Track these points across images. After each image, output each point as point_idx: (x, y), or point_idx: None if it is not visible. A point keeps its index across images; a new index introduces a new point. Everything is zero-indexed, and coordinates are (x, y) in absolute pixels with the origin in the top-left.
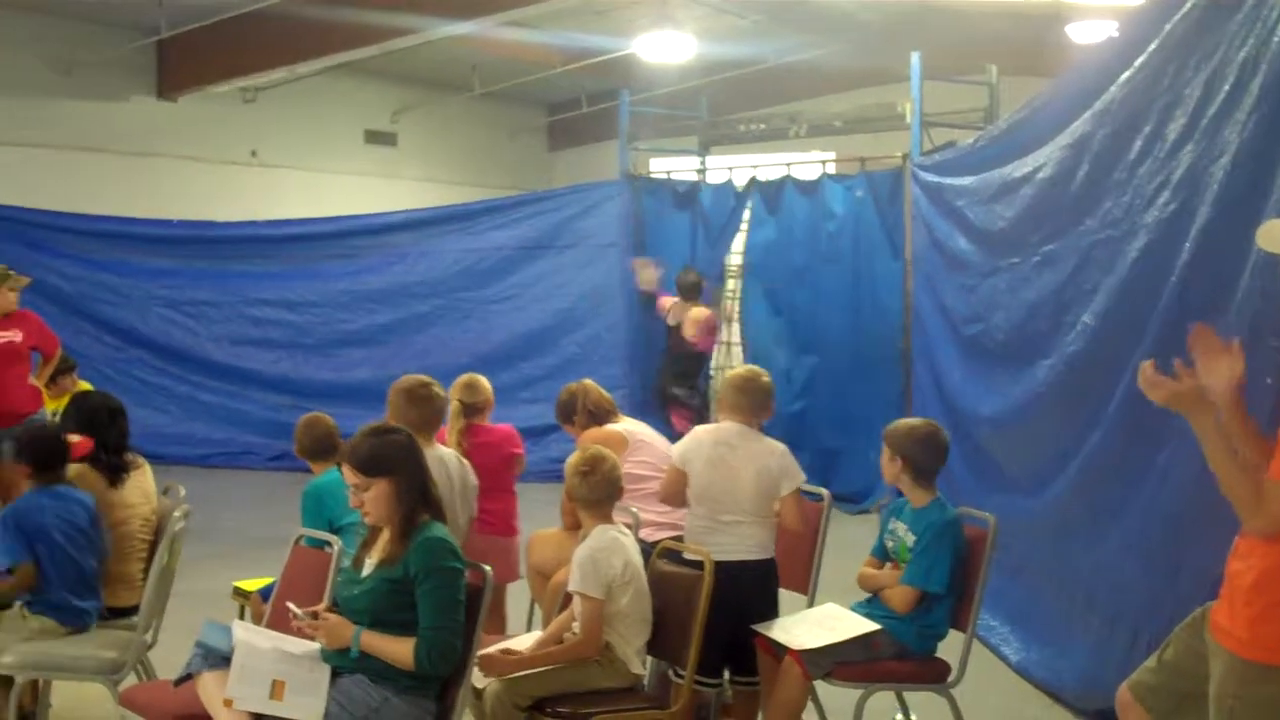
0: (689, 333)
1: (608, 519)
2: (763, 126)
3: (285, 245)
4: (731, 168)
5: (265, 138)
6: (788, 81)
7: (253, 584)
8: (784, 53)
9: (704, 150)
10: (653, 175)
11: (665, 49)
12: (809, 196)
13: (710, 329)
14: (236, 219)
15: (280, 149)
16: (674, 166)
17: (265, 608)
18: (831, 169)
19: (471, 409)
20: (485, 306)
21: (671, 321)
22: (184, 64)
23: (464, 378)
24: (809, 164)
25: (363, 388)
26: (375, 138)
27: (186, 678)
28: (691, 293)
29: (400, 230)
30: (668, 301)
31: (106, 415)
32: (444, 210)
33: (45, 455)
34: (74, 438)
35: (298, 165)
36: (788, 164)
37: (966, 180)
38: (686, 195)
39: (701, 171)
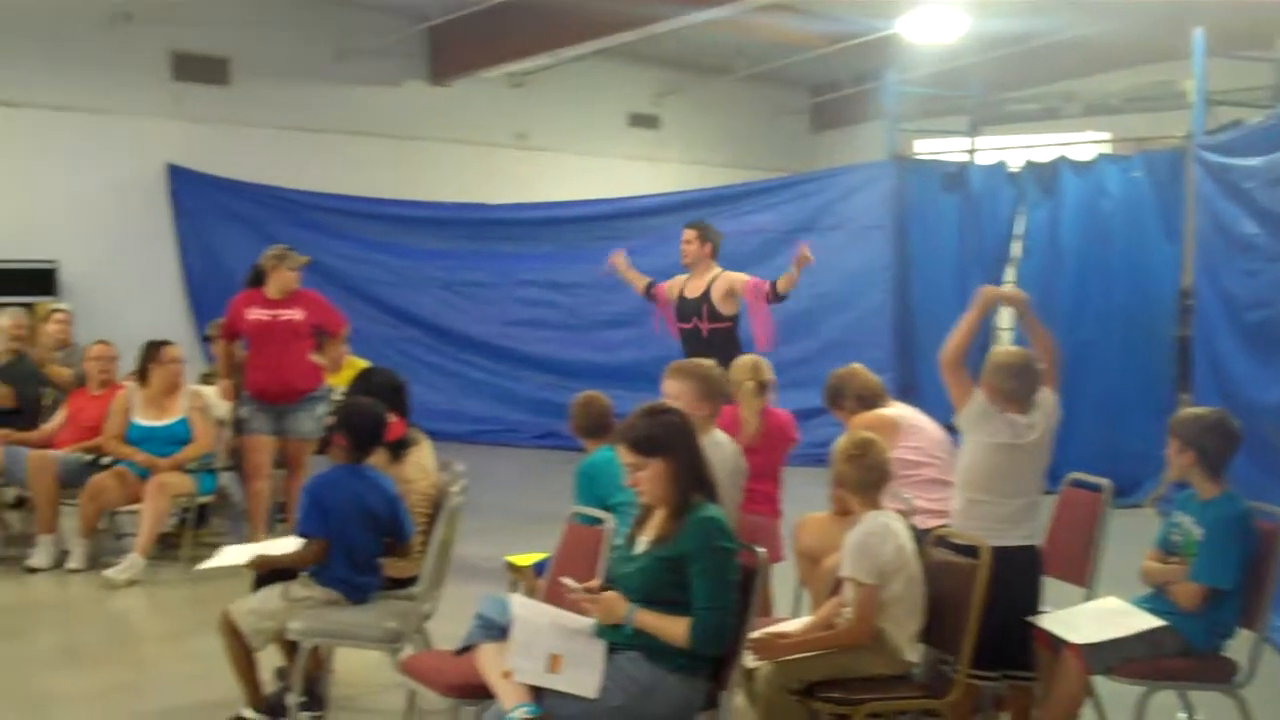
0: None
1: (878, 504)
2: (1035, 106)
3: (552, 227)
4: (1003, 148)
5: (532, 122)
6: (1060, 59)
7: (524, 559)
8: (1057, 29)
9: (973, 131)
10: (918, 157)
11: (932, 27)
12: (1083, 178)
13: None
14: (504, 202)
15: (546, 132)
16: (941, 148)
17: (538, 582)
18: (1106, 149)
19: (763, 388)
20: None
21: None
22: (455, 50)
23: (749, 358)
24: (1083, 145)
25: (627, 368)
26: (639, 121)
27: (467, 648)
28: None
29: (665, 212)
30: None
31: (390, 392)
32: (708, 192)
33: (364, 433)
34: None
35: (563, 148)
36: (1062, 144)
37: (1255, 161)
38: (954, 177)
39: (971, 153)
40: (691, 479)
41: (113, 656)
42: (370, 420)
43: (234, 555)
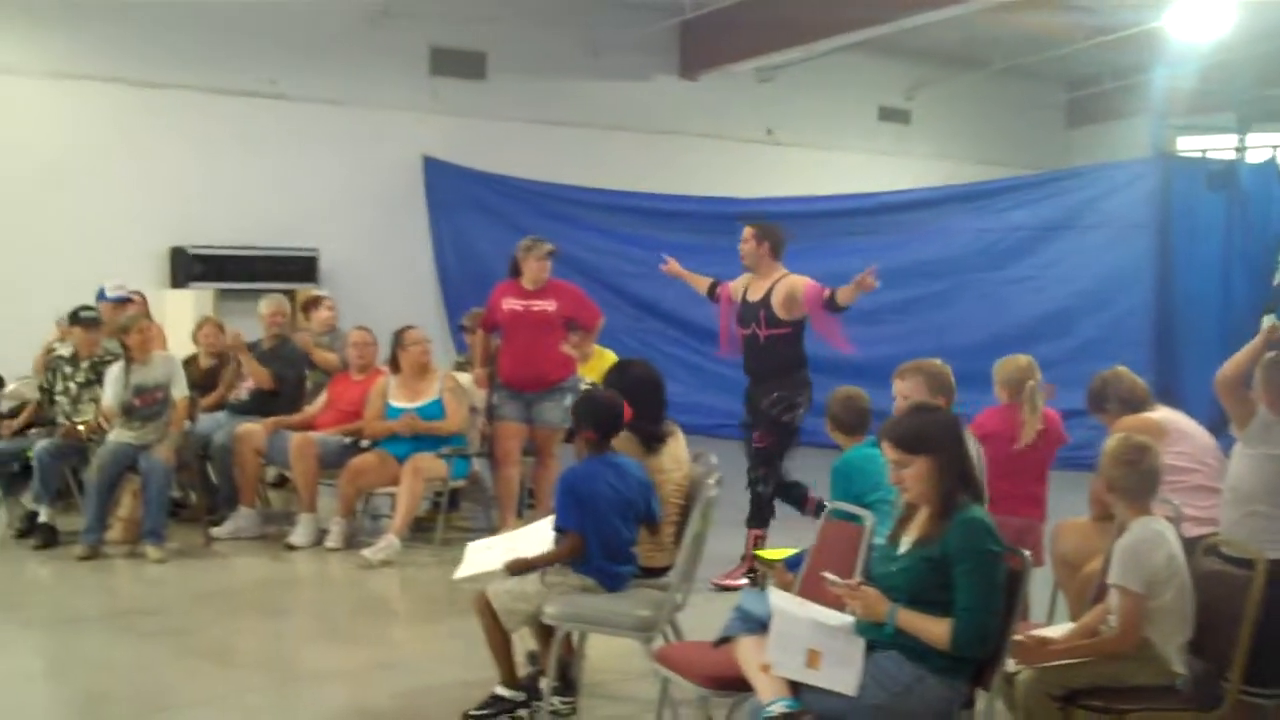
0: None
1: (1147, 511)
2: None
3: (799, 222)
4: (1273, 145)
5: (780, 116)
6: None
7: (775, 553)
8: None
9: (1242, 128)
10: (1184, 154)
11: (1199, 21)
12: None
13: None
14: (751, 196)
15: (794, 127)
16: (1207, 145)
17: (788, 577)
18: None
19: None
20: (1003, 286)
21: None
22: (705, 44)
23: (1021, 358)
24: None
25: (877, 365)
26: (889, 115)
27: (725, 640)
28: None
29: (916, 208)
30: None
31: (649, 385)
32: (962, 188)
33: (608, 423)
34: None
35: (811, 143)
36: None
37: None
38: (1221, 175)
39: (1239, 150)
40: (957, 478)
41: (368, 634)
42: (609, 408)
43: (487, 559)
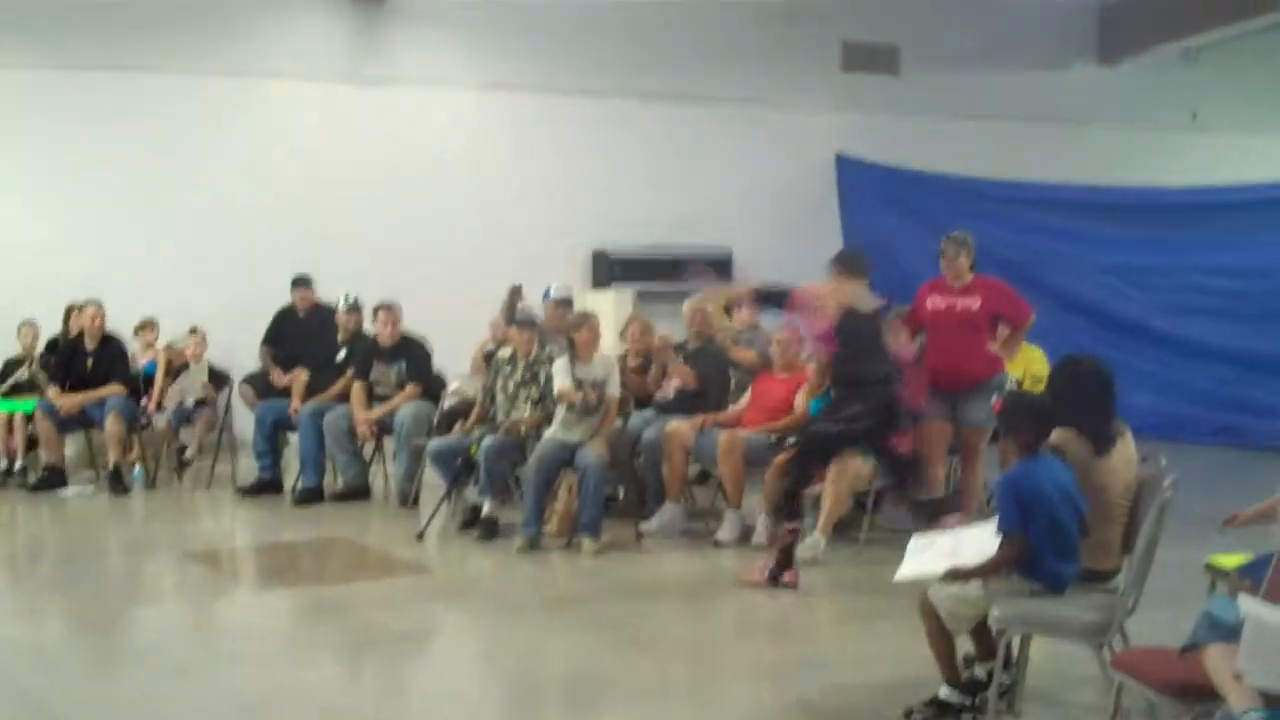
0: None
1: None
2: None
3: (1231, 212)
4: None
5: (1205, 100)
6: None
7: (1229, 559)
8: None
9: None
10: None
11: None
12: None
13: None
14: (1173, 185)
15: (1221, 111)
16: None
17: (1244, 584)
18: None
19: None
20: None
21: None
22: (1126, 27)
23: None
24: None
25: None
26: None
27: (1191, 647)
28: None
29: None
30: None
31: (1099, 383)
32: None
33: (1042, 425)
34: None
35: (1239, 128)
36: None
37: None
38: None
39: None
40: None
41: (793, 631)
42: (1042, 411)
43: (928, 560)
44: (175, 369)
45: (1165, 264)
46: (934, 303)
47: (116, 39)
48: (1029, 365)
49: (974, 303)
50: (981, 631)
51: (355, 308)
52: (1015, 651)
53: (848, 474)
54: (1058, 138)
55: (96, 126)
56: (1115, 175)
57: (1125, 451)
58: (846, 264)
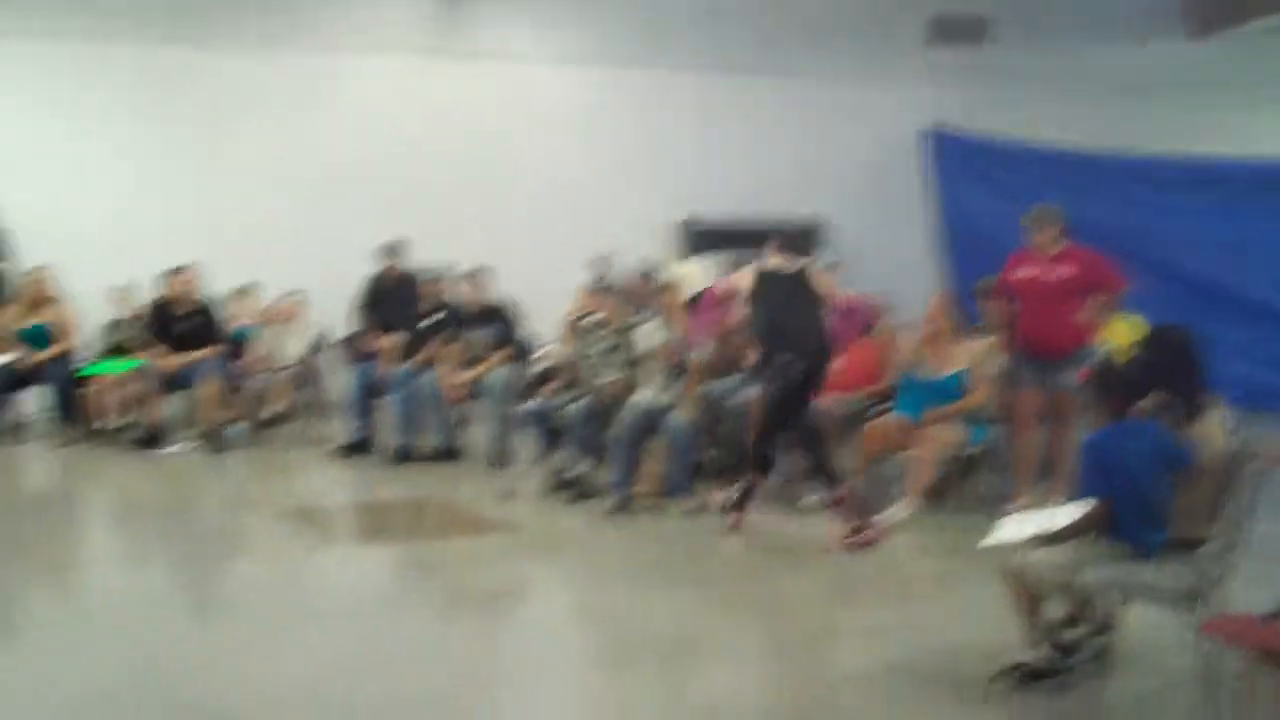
0: None
1: None
2: None
3: None
4: None
5: None
6: None
7: None
8: None
9: None
10: None
11: None
12: None
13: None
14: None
15: None
16: None
17: None
18: None
19: None
20: None
21: None
22: (1214, 1)
23: None
24: None
25: None
26: None
27: (1274, 615)
28: None
29: None
30: None
31: (1188, 352)
32: None
33: (1127, 392)
34: None
35: None
36: None
37: None
38: None
39: None
40: None
41: (886, 595)
42: (1127, 379)
43: (1014, 530)
44: (272, 332)
45: (1256, 235)
46: (1026, 271)
47: (219, 19)
48: (1123, 334)
49: (1067, 271)
50: (1072, 596)
51: (439, 277)
52: (1104, 615)
53: (938, 441)
54: (1148, 110)
55: (198, 102)
56: (1207, 147)
57: (1215, 421)
58: (783, 245)
